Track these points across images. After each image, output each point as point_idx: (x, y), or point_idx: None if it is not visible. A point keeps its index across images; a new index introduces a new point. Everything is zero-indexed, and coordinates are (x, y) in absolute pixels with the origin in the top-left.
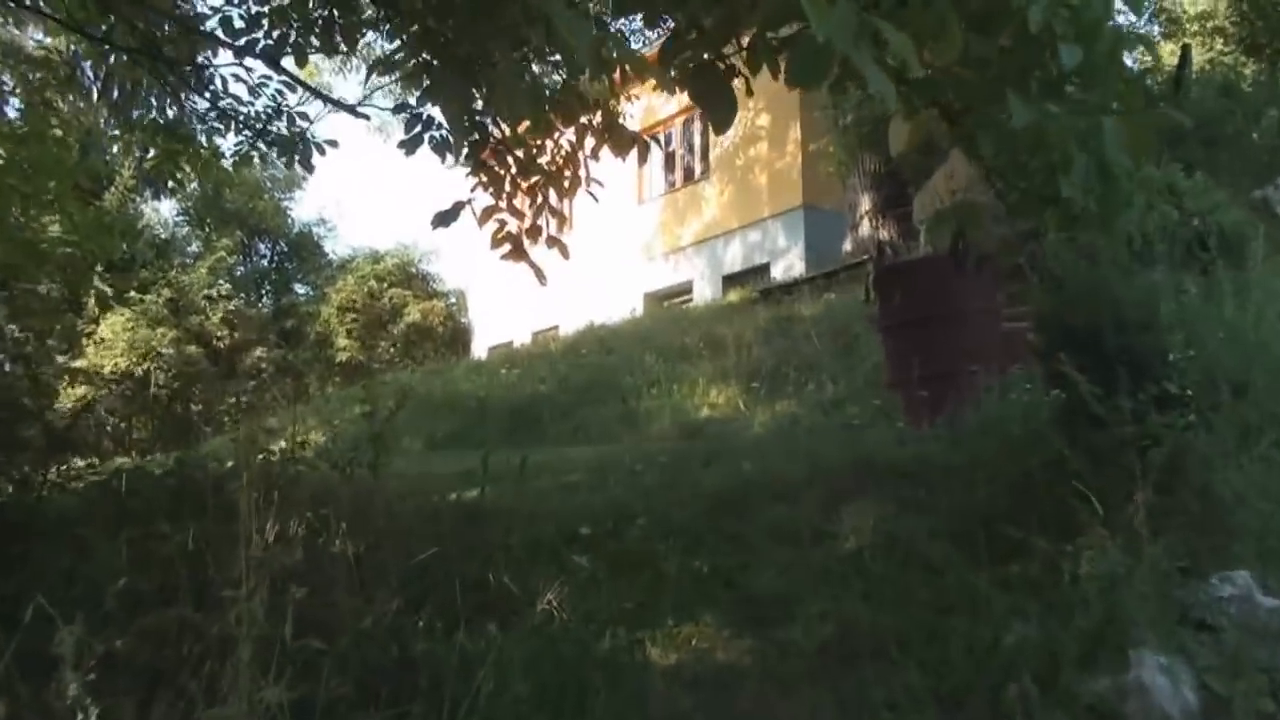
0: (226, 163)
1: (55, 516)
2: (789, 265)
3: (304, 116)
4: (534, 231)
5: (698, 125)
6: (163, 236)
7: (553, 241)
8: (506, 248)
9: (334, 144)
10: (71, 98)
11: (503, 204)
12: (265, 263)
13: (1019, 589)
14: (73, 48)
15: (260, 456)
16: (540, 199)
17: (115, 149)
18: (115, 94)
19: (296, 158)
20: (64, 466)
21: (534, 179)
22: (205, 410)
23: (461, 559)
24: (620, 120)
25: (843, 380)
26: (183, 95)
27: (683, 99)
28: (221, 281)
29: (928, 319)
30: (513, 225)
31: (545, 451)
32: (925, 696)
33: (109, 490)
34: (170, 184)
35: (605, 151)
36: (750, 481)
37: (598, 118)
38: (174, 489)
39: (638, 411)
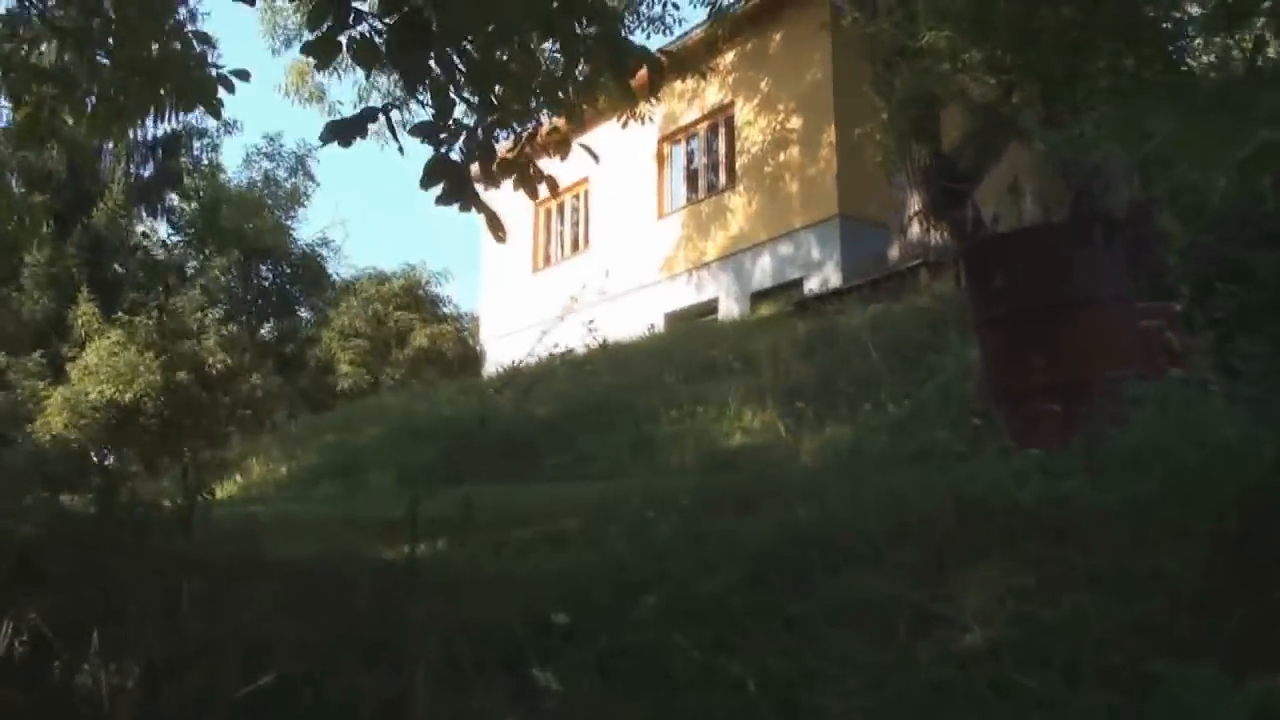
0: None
1: None
2: (824, 280)
3: (203, 39)
4: (486, 158)
5: (722, 132)
6: (157, 256)
7: (523, 179)
8: (442, 187)
9: (244, 76)
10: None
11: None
12: (266, 285)
13: None
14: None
15: None
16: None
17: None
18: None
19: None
20: None
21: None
22: (195, 440)
23: (350, 674)
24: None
25: (908, 399)
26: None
27: (707, 103)
28: (220, 305)
29: (1045, 308)
30: (457, 152)
31: (535, 489)
32: None
33: None
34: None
35: (623, 151)
36: (808, 534)
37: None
38: None
39: (653, 438)
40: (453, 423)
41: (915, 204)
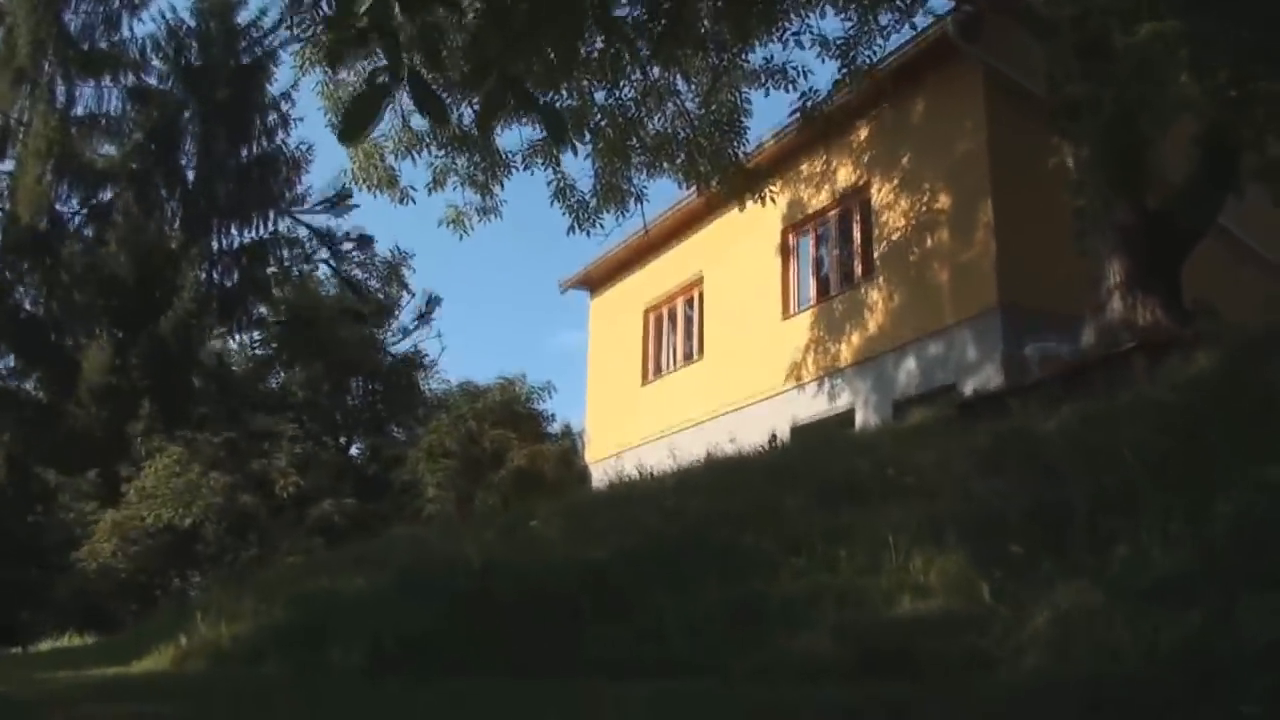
0: None
1: None
2: (984, 382)
3: None
4: None
5: (857, 217)
6: (233, 368)
7: None
8: None
9: None
10: (134, 210)
11: None
12: (354, 402)
13: None
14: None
15: None
16: None
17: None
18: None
19: None
20: None
21: None
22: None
23: None
24: None
25: (1193, 535)
26: None
27: (838, 186)
28: (301, 422)
29: None
30: None
31: (550, 691)
32: None
33: None
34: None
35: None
36: None
37: None
38: None
39: (765, 601)
40: (470, 570)
41: (1116, 274)
